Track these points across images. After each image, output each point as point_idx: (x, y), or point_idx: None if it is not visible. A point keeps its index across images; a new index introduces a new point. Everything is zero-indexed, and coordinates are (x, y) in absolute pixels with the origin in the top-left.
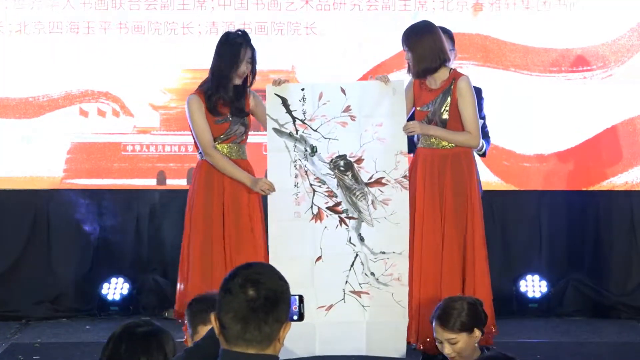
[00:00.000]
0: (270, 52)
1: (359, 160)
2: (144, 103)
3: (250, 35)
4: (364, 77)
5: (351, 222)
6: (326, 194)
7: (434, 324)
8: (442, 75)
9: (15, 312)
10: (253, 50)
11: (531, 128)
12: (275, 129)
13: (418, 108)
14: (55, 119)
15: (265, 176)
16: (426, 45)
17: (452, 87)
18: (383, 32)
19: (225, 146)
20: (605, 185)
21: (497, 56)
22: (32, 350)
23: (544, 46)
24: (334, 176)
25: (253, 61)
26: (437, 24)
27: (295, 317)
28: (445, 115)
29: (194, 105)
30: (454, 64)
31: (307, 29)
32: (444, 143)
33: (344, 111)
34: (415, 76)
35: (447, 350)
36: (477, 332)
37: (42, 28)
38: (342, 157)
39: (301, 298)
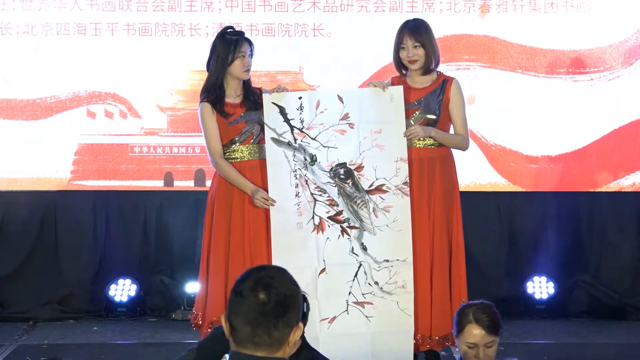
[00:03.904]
0: (277, 54)
1: (359, 168)
2: (152, 104)
3: (257, 37)
4: (371, 79)
5: (353, 232)
6: (327, 202)
7: (468, 329)
8: (431, 75)
9: (22, 314)
10: (251, 43)
11: (538, 129)
12: (273, 139)
13: (405, 106)
14: (62, 121)
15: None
16: (435, 43)
17: (444, 87)
18: (390, 34)
19: (244, 147)
20: (612, 186)
21: (504, 57)
22: (40, 351)
23: (551, 47)
24: (334, 184)
25: (252, 55)
26: (444, 25)
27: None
28: (434, 115)
29: (204, 112)
30: (462, 65)
31: (314, 31)
32: (425, 142)
33: (342, 119)
34: (423, 73)
35: (481, 354)
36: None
37: (49, 30)
38: (342, 165)
39: (304, 297)
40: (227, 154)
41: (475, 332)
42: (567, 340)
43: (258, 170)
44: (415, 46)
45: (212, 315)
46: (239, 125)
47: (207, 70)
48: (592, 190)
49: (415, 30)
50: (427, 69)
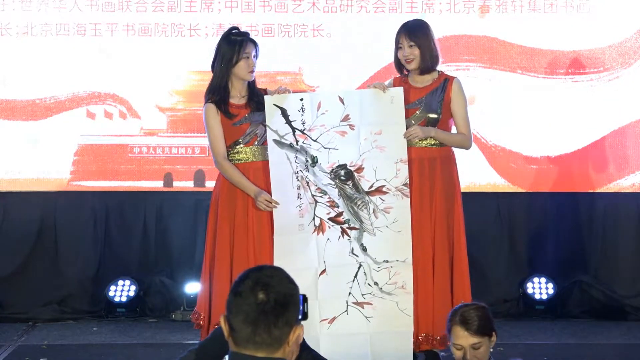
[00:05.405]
0: (277, 54)
1: (359, 169)
2: (151, 105)
3: (257, 38)
4: (371, 79)
5: (353, 233)
6: (328, 204)
7: (453, 330)
8: (432, 74)
9: (22, 314)
10: (255, 44)
11: (538, 130)
12: (275, 141)
13: (405, 106)
14: (62, 121)
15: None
16: (432, 42)
17: (445, 86)
18: (390, 34)
19: (248, 149)
20: (612, 187)
21: (504, 58)
22: (39, 352)
23: (551, 48)
24: (335, 186)
25: (256, 56)
26: (444, 25)
27: (299, 317)
28: (436, 115)
29: (208, 113)
30: (461, 66)
31: (314, 31)
32: (425, 142)
33: (342, 120)
34: (420, 72)
35: (469, 356)
36: (494, 336)
37: (49, 30)
38: (343, 166)
39: (305, 297)
40: (231, 155)
41: (460, 334)
42: (567, 340)
43: (261, 172)
44: (411, 46)
45: (218, 317)
46: (243, 126)
47: (212, 71)
48: (592, 191)
49: (410, 30)
50: (424, 69)
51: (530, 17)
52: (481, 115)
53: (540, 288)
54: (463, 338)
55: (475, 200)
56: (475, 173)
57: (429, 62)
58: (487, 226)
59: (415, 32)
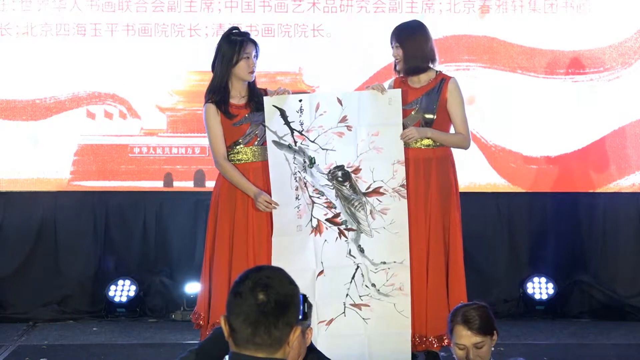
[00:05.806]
0: (277, 54)
1: (357, 170)
2: (151, 105)
3: (257, 38)
4: (371, 79)
5: (350, 234)
6: (325, 205)
7: (455, 330)
8: (428, 74)
9: (22, 314)
10: (256, 45)
11: (538, 130)
12: (274, 142)
13: (402, 107)
14: (62, 121)
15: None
16: (418, 44)
17: (441, 87)
18: (390, 34)
19: (248, 149)
20: (612, 187)
21: (504, 58)
22: (39, 352)
23: (551, 48)
24: (332, 187)
25: (257, 56)
26: (444, 25)
27: (299, 317)
28: (432, 115)
29: (209, 113)
30: (461, 66)
31: (314, 31)
32: (421, 143)
33: (340, 121)
34: (405, 73)
35: (472, 355)
36: (495, 335)
37: (49, 30)
38: (340, 167)
39: (305, 297)
40: (231, 155)
41: (463, 333)
42: (567, 340)
43: (261, 172)
44: (397, 47)
45: (217, 317)
46: (243, 126)
47: (212, 71)
48: (592, 191)
49: (397, 31)
50: (409, 70)
51: (530, 17)
52: (481, 115)
53: (540, 288)
54: (466, 337)
55: (475, 200)
56: (475, 173)
57: (413, 63)
58: (487, 226)
59: (400, 33)
